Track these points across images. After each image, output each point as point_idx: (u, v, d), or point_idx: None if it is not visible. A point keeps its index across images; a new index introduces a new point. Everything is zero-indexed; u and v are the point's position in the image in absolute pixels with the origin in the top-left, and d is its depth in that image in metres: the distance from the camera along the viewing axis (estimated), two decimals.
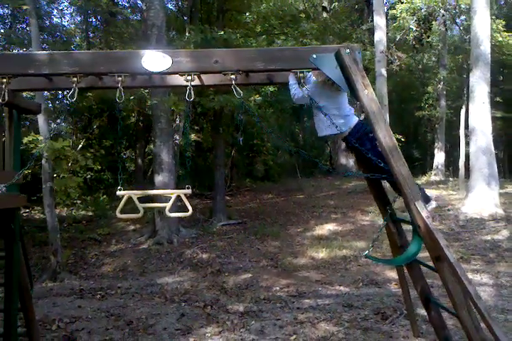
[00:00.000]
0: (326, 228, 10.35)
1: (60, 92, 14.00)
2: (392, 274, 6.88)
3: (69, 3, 18.01)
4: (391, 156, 3.03)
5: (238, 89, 3.19)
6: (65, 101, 15.78)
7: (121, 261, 7.94)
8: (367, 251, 3.42)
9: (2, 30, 15.64)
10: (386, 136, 3.04)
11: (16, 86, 3.37)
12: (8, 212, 3.75)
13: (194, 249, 8.53)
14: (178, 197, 3.24)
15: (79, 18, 19.71)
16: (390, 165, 3.07)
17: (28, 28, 18.93)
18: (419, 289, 3.70)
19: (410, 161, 16.88)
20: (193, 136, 15.69)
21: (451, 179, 18.37)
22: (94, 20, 17.86)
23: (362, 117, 3.76)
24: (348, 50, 3.09)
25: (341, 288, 6.28)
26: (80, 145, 13.26)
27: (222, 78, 3.55)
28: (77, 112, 14.27)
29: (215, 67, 3.18)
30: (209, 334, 4.70)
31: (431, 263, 3.57)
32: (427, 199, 3.33)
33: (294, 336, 4.61)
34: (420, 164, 25.26)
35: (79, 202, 11.81)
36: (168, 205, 3.18)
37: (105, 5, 11.52)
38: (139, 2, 19.10)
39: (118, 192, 3.13)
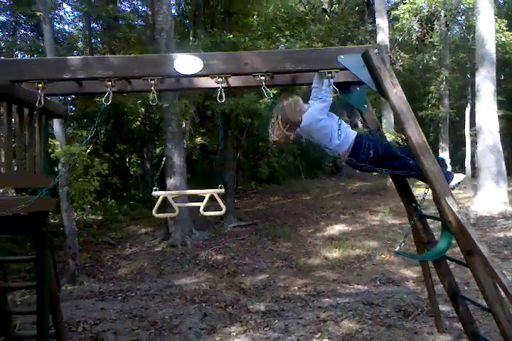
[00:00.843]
0: (336, 228, 10.41)
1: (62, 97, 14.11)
2: (408, 272, 6.95)
3: (73, 8, 18.21)
4: (421, 153, 3.09)
5: (268, 90, 3.25)
6: (70, 107, 15.93)
7: (137, 263, 7.99)
8: (397, 248, 3.47)
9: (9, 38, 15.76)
10: (416, 134, 3.09)
11: (46, 90, 3.43)
12: (40, 215, 3.81)
13: (208, 250, 8.59)
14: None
15: (81, 24, 19.90)
16: (419, 162, 3.13)
17: (29, 34, 19.10)
18: (446, 284, 3.75)
19: None
20: (199, 139, 15.75)
21: None
22: (96, 25, 18.03)
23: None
24: (376, 50, 3.16)
25: (359, 286, 6.34)
26: (88, 150, 13.33)
27: (249, 80, 3.63)
28: (84, 118, 14.36)
29: (245, 69, 3.24)
30: (234, 333, 4.76)
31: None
32: (449, 175, 3.34)
33: (319, 334, 4.66)
34: None
35: (89, 206, 11.86)
36: (203, 204, 3.24)
37: (111, 10, 11.60)
38: (140, 7, 19.33)
39: (154, 193, 3.20)
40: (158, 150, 18.13)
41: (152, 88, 3.20)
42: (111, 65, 3.16)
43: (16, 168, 3.45)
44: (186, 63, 3.19)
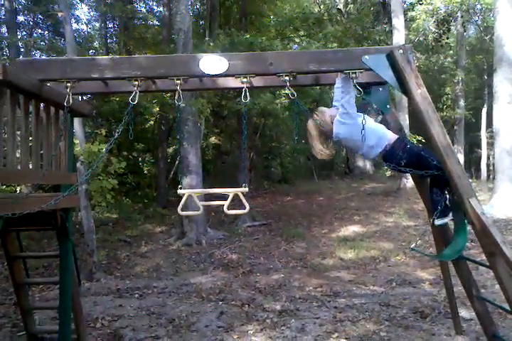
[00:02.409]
0: (351, 229, 10.40)
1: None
2: (424, 274, 6.93)
3: (90, 8, 18.41)
4: (445, 154, 3.09)
5: (292, 90, 3.27)
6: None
7: (153, 261, 8.07)
8: (413, 244, 3.49)
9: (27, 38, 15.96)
10: (440, 135, 3.10)
11: (73, 90, 3.49)
12: (65, 211, 3.88)
13: (223, 249, 8.64)
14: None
15: (97, 24, 20.12)
16: (443, 163, 3.13)
17: (46, 34, 19.35)
18: (466, 286, 3.74)
19: None
20: (213, 139, 15.83)
21: (470, 180, 18.29)
22: (112, 25, 18.22)
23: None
24: (401, 51, 3.17)
25: (375, 287, 6.33)
26: (104, 149, 13.43)
27: (272, 80, 3.67)
28: (100, 117, 14.50)
29: (270, 69, 3.27)
30: (251, 332, 4.78)
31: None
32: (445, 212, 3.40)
33: (336, 334, 4.67)
34: None
35: (104, 204, 11.99)
36: (227, 203, 3.27)
37: (130, 10, 11.71)
38: (155, 8, 19.48)
39: (179, 191, 3.24)
40: (170, 149, 18.27)
41: (178, 88, 3.25)
42: (138, 65, 3.21)
43: (42, 165, 3.51)
44: (212, 63, 3.23)
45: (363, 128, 3.22)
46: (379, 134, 3.33)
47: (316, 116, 3.47)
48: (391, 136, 3.36)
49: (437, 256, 3.97)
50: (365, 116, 3.35)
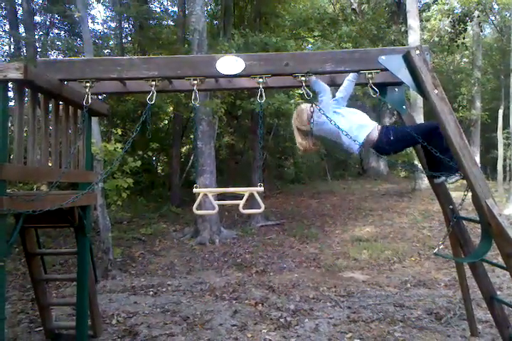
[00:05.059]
0: (365, 230, 10.35)
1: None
2: (439, 276, 6.88)
3: (106, 8, 18.59)
4: (462, 155, 3.09)
5: (308, 90, 3.29)
6: None
7: (167, 259, 8.14)
8: (436, 249, 3.46)
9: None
10: (457, 135, 3.10)
11: (92, 89, 3.55)
12: (83, 209, 3.95)
13: (236, 248, 8.68)
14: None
15: (112, 24, 20.30)
16: (460, 164, 3.13)
17: (62, 34, 19.56)
18: (483, 288, 3.74)
19: None
20: (227, 139, 15.87)
21: (486, 182, 18.01)
22: (127, 25, 18.36)
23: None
24: (418, 51, 3.16)
25: (390, 288, 6.30)
26: (120, 148, 13.56)
27: (288, 80, 3.69)
28: (115, 116, 14.65)
29: (286, 69, 3.30)
30: (265, 331, 4.80)
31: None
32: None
33: (350, 334, 4.67)
34: None
35: (119, 203, 12.10)
36: (242, 203, 3.30)
37: (145, 11, 11.80)
38: (170, 8, 19.59)
39: (194, 190, 3.29)
40: (184, 149, 18.35)
41: (194, 88, 3.29)
42: (156, 65, 3.26)
43: (62, 164, 3.58)
44: (228, 64, 3.26)
45: (332, 140, 3.56)
46: (351, 136, 3.39)
47: (295, 116, 3.76)
48: (368, 134, 3.47)
49: (458, 259, 3.94)
50: (344, 111, 3.46)
